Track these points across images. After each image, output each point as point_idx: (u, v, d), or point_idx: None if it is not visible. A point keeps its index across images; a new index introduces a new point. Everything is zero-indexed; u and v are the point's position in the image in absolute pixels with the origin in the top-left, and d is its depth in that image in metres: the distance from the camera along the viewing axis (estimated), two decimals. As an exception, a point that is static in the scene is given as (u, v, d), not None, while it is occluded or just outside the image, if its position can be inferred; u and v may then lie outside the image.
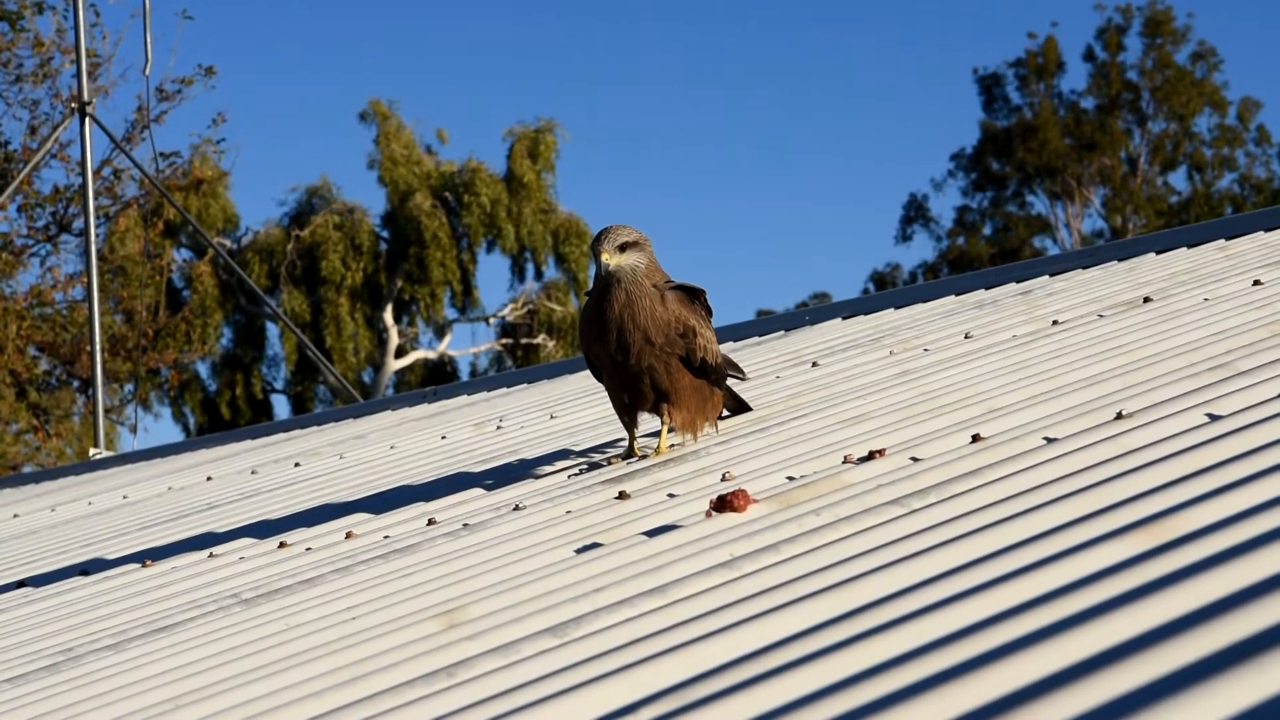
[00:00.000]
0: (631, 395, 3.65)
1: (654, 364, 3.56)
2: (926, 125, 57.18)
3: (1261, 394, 2.92)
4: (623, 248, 3.52)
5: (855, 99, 57.77)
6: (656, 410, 3.67)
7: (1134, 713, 1.44)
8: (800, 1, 57.41)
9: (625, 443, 3.98)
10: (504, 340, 29.36)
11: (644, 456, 3.73)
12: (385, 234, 28.90)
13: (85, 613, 3.33)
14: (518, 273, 29.09)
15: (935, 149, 61.64)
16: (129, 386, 22.82)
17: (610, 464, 3.74)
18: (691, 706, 1.75)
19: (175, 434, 28.38)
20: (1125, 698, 1.50)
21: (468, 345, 29.88)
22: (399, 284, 28.53)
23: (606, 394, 3.80)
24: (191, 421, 28.24)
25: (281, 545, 3.61)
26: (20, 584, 4.06)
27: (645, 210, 55.80)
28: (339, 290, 27.86)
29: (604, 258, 3.50)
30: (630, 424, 3.75)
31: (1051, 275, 5.96)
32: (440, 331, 29.44)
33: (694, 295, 3.67)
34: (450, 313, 29.17)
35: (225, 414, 28.03)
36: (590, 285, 3.66)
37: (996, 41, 58.89)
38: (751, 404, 4.18)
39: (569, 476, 3.75)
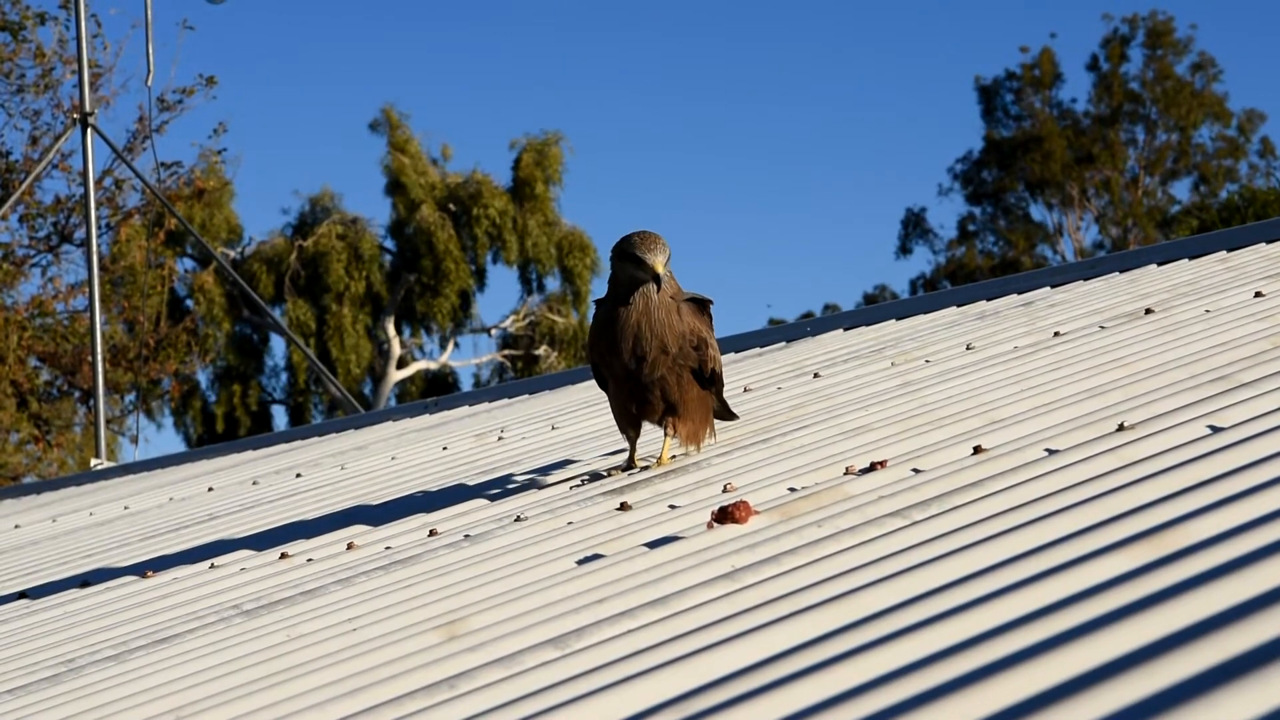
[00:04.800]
0: (639, 405, 3.61)
1: (666, 375, 3.53)
2: (934, 137, 57.28)
3: (1263, 406, 2.92)
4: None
5: (858, 110, 57.83)
6: (662, 421, 3.64)
7: (1136, 725, 1.44)
8: (809, 13, 57.46)
9: (626, 454, 3.96)
10: (506, 352, 29.36)
11: (645, 468, 3.72)
12: (391, 245, 28.92)
13: (86, 624, 3.33)
14: (527, 285, 29.11)
15: (943, 160, 61.74)
16: (130, 397, 22.83)
17: (610, 475, 3.73)
18: (693, 718, 1.75)
19: (176, 445, 28.38)
20: (1127, 710, 1.50)
21: (470, 356, 29.90)
22: (401, 295, 28.54)
23: (610, 404, 3.76)
24: (192, 432, 28.24)
25: (283, 556, 3.61)
26: (21, 595, 4.05)
27: (647, 223, 55.84)
28: (341, 301, 27.89)
29: (660, 268, 3.42)
30: (634, 435, 3.72)
31: (1053, 286, 5.96)
32: (444, 342, 29.45)
33: (703, 306, 3.66)
34: (453, 324, 29.18)
35: (225, 425, 28.03)
36: (606, 292, 3.57)
37: (1006, 50, 59.03)
38: (744, 414, 4.17)
39: (570, 488, 3.75)
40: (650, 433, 4.07)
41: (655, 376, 3.53)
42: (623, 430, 3.74)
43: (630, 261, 3.45)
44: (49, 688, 2.70)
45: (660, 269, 3.42)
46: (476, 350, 30.01)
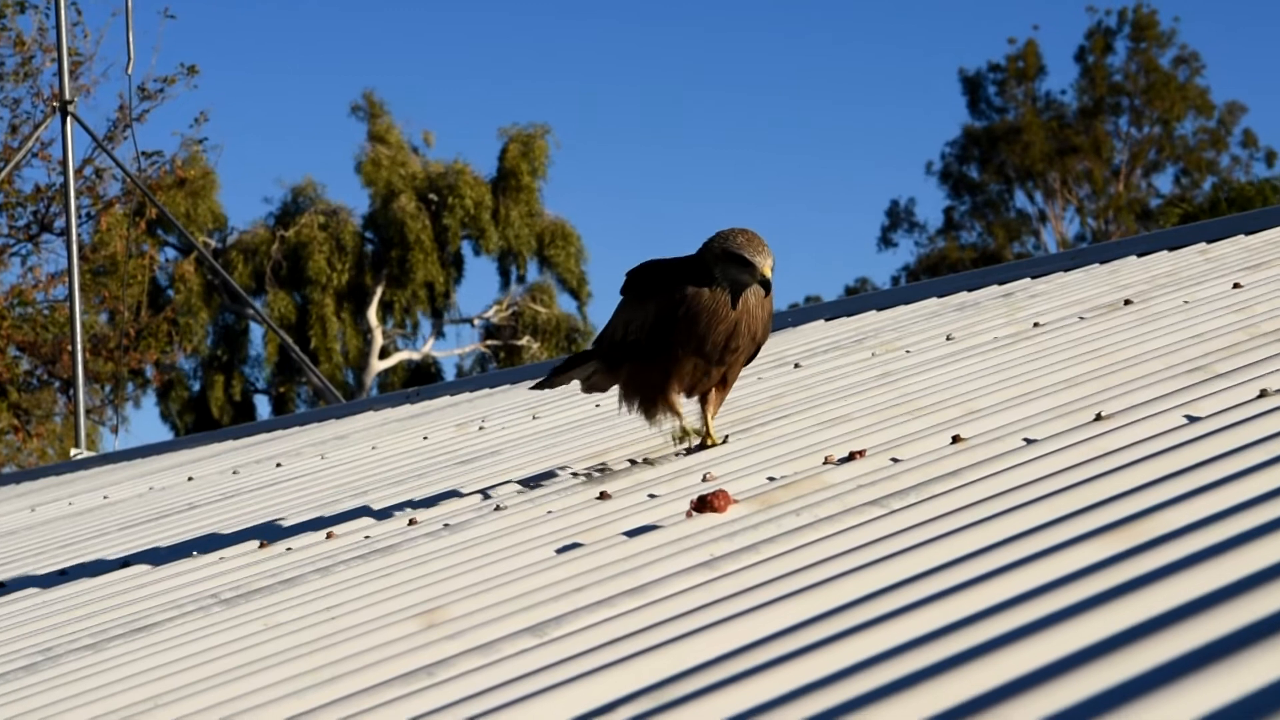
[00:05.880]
0: (696, 383, 3.45)
1: (740, 359, 3.43)
2: (920, 128, 57.35)
3: (1239, 396, 2.94)
4: None
5: (843, 102, 57.87)
6: (705, 395, 3.50)
7: (1110, 711, 1.45)
8: (795, 5, 57.48)
9: (658, 439, 3.67)
10: (488, 342, 29.34)
11: (700, 444, 3.59)
12: (370, 235, 28.87)
13: (64, 613, 3.32)
14: (505, 275, 29.09)
15: (927, 153, 61.79)
16: (110, 386, 22.77)
17: (677, 453, 3.57)
18: (670, 705, 1.75)
19: (158, 434, 28.31)
20: (1101, 696, 1.51)
21: (452, 346, 29.87)
22: (383, 285, 28.49)
23: (637, 387, 3.51)
24: (177, 421, 28.17)
25: (261, 545, 3.61)
26: (-1, 584, 4.04)
27: (631, 213, 55.84)
28: (324, 291, 27.83)
29: (769, 273, 3.28)
30: (676, 411, 3.49)
31: (1033, 278, 5.98)
32: (420, 332, 29.41)
33: None
34: (433, 314, 29.14)
35: (208, 414, 27.97)
36: (676, 273, 3.34)
37: (995, 41, 59.08)
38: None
39: (550, 477, 3.75)
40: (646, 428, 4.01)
41: (741, 359, 3.43)
42: (655, 411, 3.49)
43: (735, 263, 3.27)
44: (26, 676, 2.70)
45: (770, 274, 3.27)
46: (459, 340, 30.01)
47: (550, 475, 3.80)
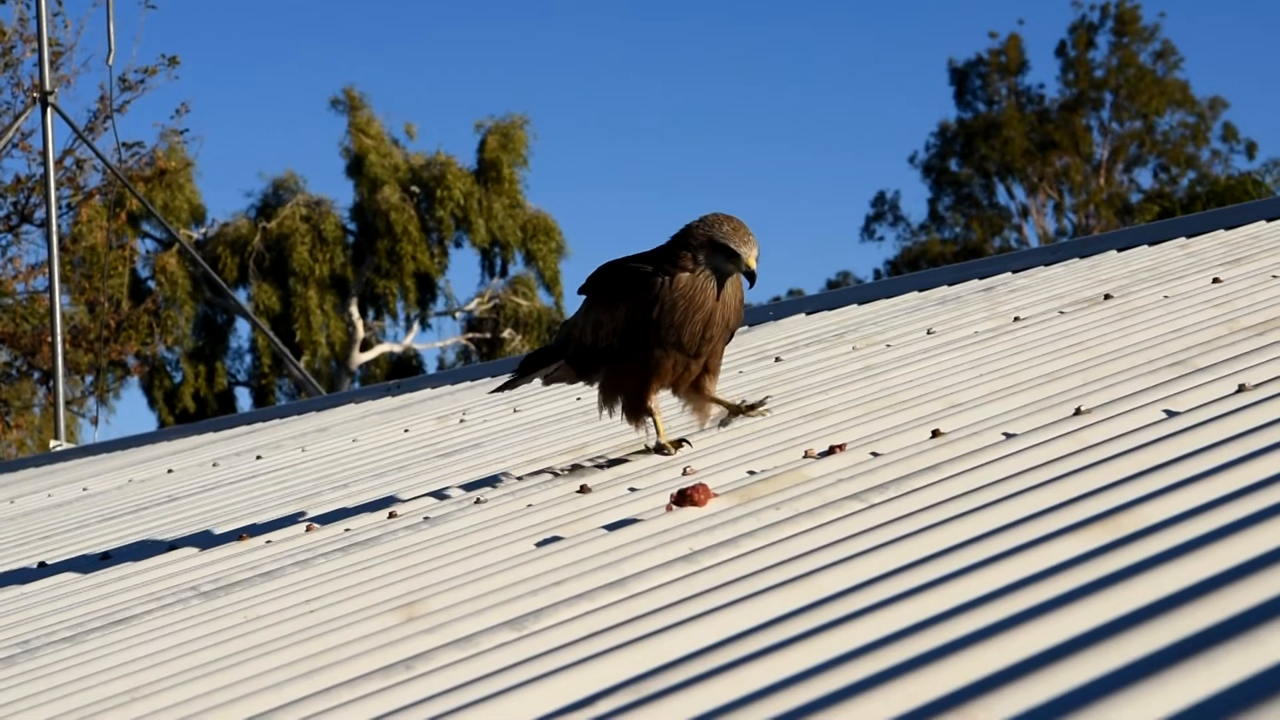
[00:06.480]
0: (679, 379, 3.41)
1: (718, 346, 3.41)
2: (905, 122, 57.39)
3: (1218, 391, 2.95)
4: None
5: (827, 95, 57.90)
6: (696, 387, 3.45)
7: (1090, 704, 1.45)
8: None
9: (642, 438, 3.58)
10: (470, 335, 29.30)
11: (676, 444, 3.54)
12: (353, 226, 28.80)
13: (42, 605, 3.31)
14: (489, 268, 29.05)
15: (911, 147, 61.86)
16: (90, 378, 22.69)
17: (668, 452, 3.49)
18: (648, 699, 1.75)
19: (143, 425, 28.22)
20: (1081, 689, 1.51)
21: (434, 339, 29.82)
22: (366, 277, 28.43)
23: (617, 388, 3.46)
24: (159, 413, 28.09)
25: (241, 538, 3.60)
26: (-23, 576, 4.03)
27: (611, 206, 55.81)
28: (307, 283, 27.75)
29: (755, 264, 3.24)
30: (652, 413, 3.45)
31: (1014, 272, 5.99)
32: (406, 325, 29.35)
33: None
34: (419, 307, 29.09)
35: (190, 407, 27.88)
36: (649, 262, 3.30)
37: (980, 35, 59.19)
38: None
39: (531, 470, 3.75)
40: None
41: (715, 350, 3.40)
42: (636, 413, 3.44)
43: (720, 252, 3.23)
44: (4, 669, 2.69)
45: (755, 265, 3.22)
46: (441, 333, 29.95)
47: (530, 468, 3.79)
